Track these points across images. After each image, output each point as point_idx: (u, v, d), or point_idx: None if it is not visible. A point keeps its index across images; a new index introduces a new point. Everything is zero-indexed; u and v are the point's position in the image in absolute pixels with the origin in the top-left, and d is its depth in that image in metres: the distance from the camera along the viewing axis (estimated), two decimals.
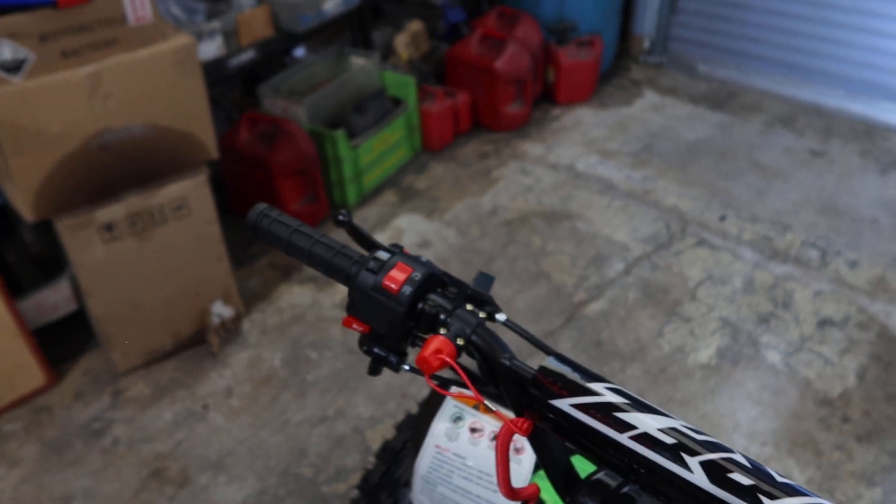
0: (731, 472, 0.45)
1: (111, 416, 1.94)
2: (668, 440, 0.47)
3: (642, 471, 0.47)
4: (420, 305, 0.59)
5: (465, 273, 2.30)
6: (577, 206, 2.66)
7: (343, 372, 2.03)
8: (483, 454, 0.82)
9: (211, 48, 2.42)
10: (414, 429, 0.89)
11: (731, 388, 1.94)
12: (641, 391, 1.91)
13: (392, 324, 0.59)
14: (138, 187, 1.90)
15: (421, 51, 3.15)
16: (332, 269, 0.64)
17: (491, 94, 3.02)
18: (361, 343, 0.63)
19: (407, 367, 0.62)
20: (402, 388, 1.95)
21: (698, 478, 0.45)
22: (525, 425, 0.53)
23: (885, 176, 2.75)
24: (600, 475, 0.54)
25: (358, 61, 2.84)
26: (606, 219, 2.58)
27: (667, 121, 3.17)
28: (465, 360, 0.58)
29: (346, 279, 0.63)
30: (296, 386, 2.01)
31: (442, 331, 0.57)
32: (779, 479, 0.44)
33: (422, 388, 1.92)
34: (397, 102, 2.82)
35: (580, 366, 0.53)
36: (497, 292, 2.27)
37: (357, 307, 0.60)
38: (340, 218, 0.65)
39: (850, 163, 2.84)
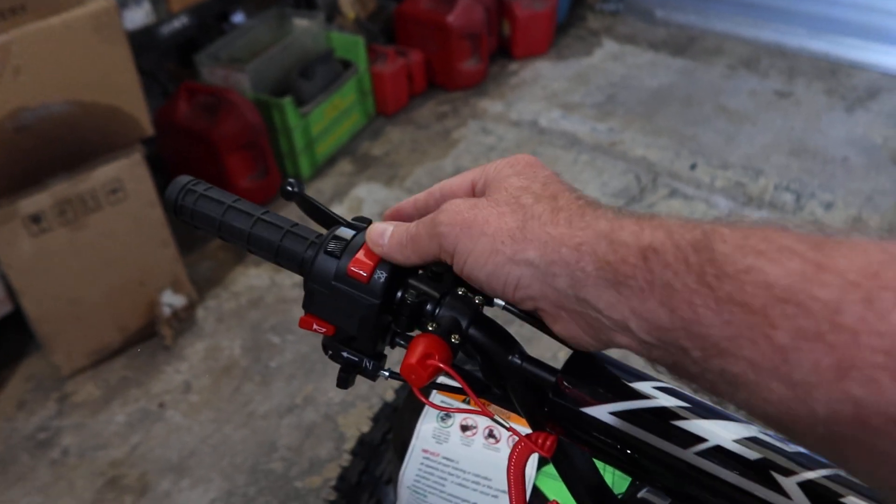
0: (842, 495, 0.33)
1: (58, 424, 1.78)
2: (751, 455, 0.35)
3: (713, 496, 0.36)
4: (399, 294, 0.46)
5: None
6: (543, 162, 2.53)
7: (309, 356, 1.90)
8: (478, 455, 0.71)
9: (138, 15, 2.20)
10: (395, 429, 0.77)
11: None
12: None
13: (364, 321, 0.46)
14: (66, 172, 1.72)
15: (368, 9, 2.96)
16: (282, 255, 0.50)
17: (445, 51, 2.86)
18: (327, 347, 0.49)
19: (387, 374, 0.49)
20: None
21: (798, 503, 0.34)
22: (548, 442, 0.41)
23: (852, 113, 2.69)
24: (644, 494, 0.42)
25: (301, 23, 2.65)
26: (574, 174, 2.47)
27: (628, 70, 3.06)
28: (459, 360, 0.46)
29: (299, 266, 0.49)
30: (259, 374, 1.87)
31: (430, 327, 0.44)
32: None
33: (397, 366, 1.80)
34: (346, 65, 2.65)
35: (615, 360, 0.41)
36: None
37: (316, 303, 0.47)
38: (289, 189, 0.51)
39: (816, 102, 2.77)
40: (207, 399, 1.82)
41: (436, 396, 0.74)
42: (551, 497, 0.66)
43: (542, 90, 2.94)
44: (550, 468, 0.72)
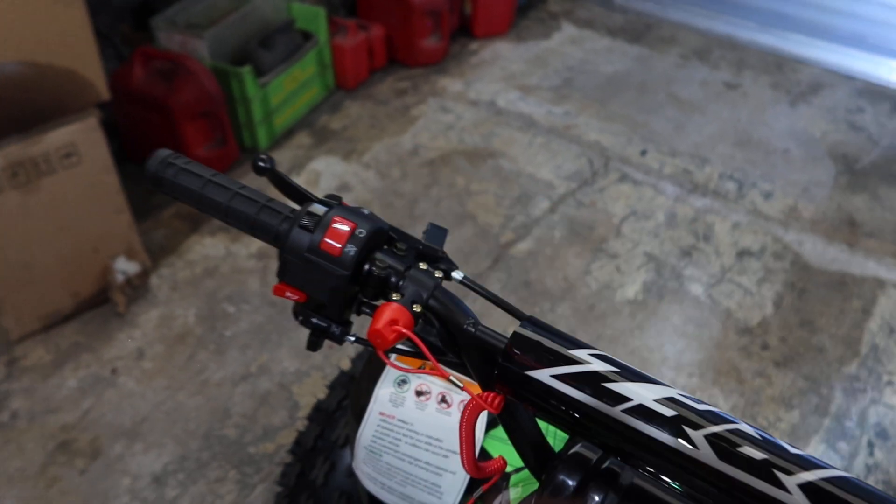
0: (740, 445, 0.39)
1: (7, 387, 1.77)
2: (668, 412, 0.41)
3: (638, 448, 0.42)
4: (366, 267, 0.50)
5: (388, 218, 2.21)
6: (499, 143, 2.59)
7: (264, 326, 1.92)
8: (431, 418, 0.76)
9: None
10: (353, 394, 0.81)
11: (657, 321, 1.96)
12: (572, 329, 1.90)
13: (334, 291, 0.50)
14: (18, 134, 1.69)
15: None
16: (258, 228, 0.54)
17: (406, 28, 2.87)
18: (297, 313, 0.54)
19: (353, 339, 0.53)
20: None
21: (704, 453, 0.40)
22: (496, 401, 0.46)
23: (795, 107, 2.82)
24: (578, 448, 0.48)
25: None
26: (529, 156, 2.53)
27: (585, 54, 3.12)
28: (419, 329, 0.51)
29: (275, 239, 0.53)
30: (213, 343, 1.89)
31: (395, 296, 0.48)
32: (792, 450, 0.40)
33: (362, 332, 1.84)
34: (307, 36, 2.64)
35: (558, 330, 0.47)
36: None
37: (290, 272, 0.51)
38: (261, 164, 0.55)
39: (762, 95, 2.88)
40: (161, 366, 1.83)
41: (395, 362, 0.79)
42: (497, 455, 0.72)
43: (501, 71, 2.99)
44: (497, 431, 0.78)
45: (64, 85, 1.74)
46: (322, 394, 1.62)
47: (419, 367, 0.79)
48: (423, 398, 0.77)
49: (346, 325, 0.54)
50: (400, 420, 0.76)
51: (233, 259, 2.12)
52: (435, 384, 0.78)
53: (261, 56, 2.45)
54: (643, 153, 2.56)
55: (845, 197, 2.38)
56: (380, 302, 0.50)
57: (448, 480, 0.76)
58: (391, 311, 0.46)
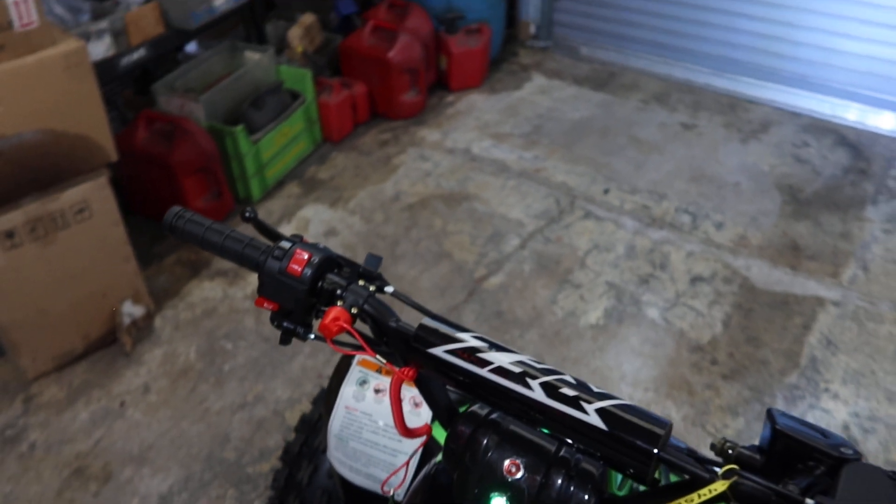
0: (560, 388, 0.60)
1: (25, 421, 1.95)
2: (516, 370, 0.61)
3: (499, 396, 0.62)
4: (320, 284, 0.71)
5: None
6: (474, 187, 2.81)
7: (259, 360, 2.11)
8: (387, 410, 0.95)
9: (99, 48, 2.41)
10: (326, 395, 1.00)
11: (617, 343, 2.16)
12: (539, 354, 2.09)
13: (297, 301, 0.71)
14: (37, 192, 1.91)
15: (315, 43, 3.22)
16: (243, 259, 0.75)
17: (386, 84, 3.13)
18: (273, 319, 0.74)
19: (312, 336, 0.73)
20: (316, 369, 2.06)
21: (538, 395, 0.60)
22: (411, 373, 0.66)
23: (746, 144, 3.06)
24: (474, 408, 0.68)
25: (252, 56, 2.88)
26: (502, 198, 2.75)
27: (554, 102, 3.38)
28: (361, 327, 0.71)
29: (255, 267, 0.74)
30: (213, 376, 2.07)
31: (339, 303, 0.69)
32: (596, 390, 0.60)
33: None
34: (295, 96, 2.89)
35: (451, 322, 0.67)
36: (403, 273, 2.41)
37: (267, 289, 0.72)
38: (247, 215, 0.76)
39: (715, 134, 3.13)
40: (165, 399, 2.01)
41: (355, 369, 0.99)
42: (436, 434, 0.91)
43: (476, 121, 3.23)
44: None
45: (77, 148, 1.97)
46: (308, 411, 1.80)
47: (376, 370, 0.99)
48: (380, 395, 0.96)
49: (308, 327, 0.74)
50: (362, 412, 0.95)
51: (230, 301, 2.32)
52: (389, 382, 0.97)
53: (252, 116, 2.69)
54: (606, 191, 2.78)
55: (789, 224, 2.60)
56: (329, 307, 0.70)
57: (401, 460, 0.95)
58: (335, 312, 0.67)
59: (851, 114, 3.17)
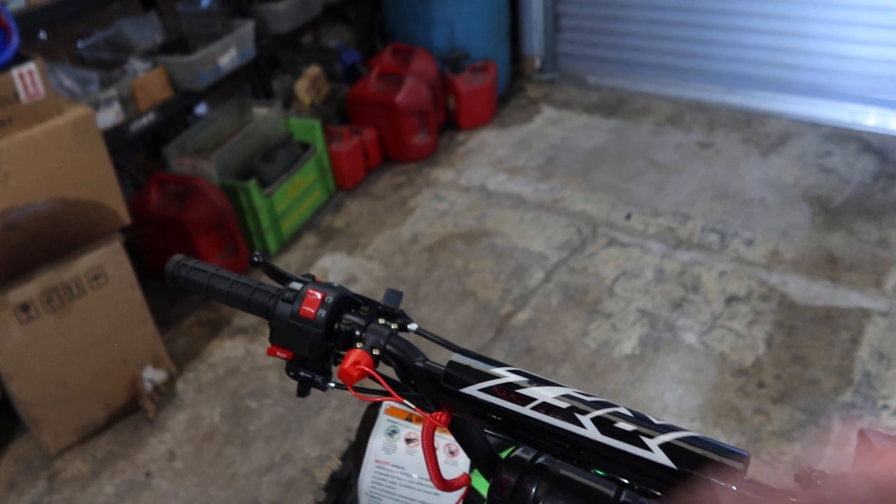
0: (616, 422, 0.52)
1: (49, 500, 1.89)
2: (563, 405, 0.54)
3: (546, 436, 0.54)
4: (336, 326, 0.65)
5: None
6: (492, 223, 2.76)
7: (285, 417, 2.04)
8: (420, 462, 0.88)
9: (109, 116, 2.42)
10: (353, 449, 0.93)
11: (655, 372, 2.06)
12: (576, 387, 2.00)
13: (312, 346, 0.64)
14: (51, 262, 1.88)
15: (322, 94, 3.22)
16: (252, 305, 0.69)
17: (396, 128, 3.11)
18: (288, 369, 0.67)
19: (332, 385, 0.67)
20: (344, 422, 1.98)
21: (591, 432, 0.52)
22: (443, 417, 0.59)
23: (766, 158, 2.98)
24: (517, 452, 0.61)
25: (261, 111, 2.88)
26: (521, 231, 2.69)
27: (566, 132, 3.34)
28: (385, 370, 0.64)
29: (265, 312, 0.68)
30: (239, 438, 2.00)
31: (358, 345, 0.62)
32: (656, 422, 0.52)
33: None
34: (305, 147, 2.87)
35: (484, 356, 0.60)
36: (427, 315, 2.34)
37: (279, 336, 0.65)
38: (256, 259, 0.71)
39: (734, 150, 3.06)
40: (191, 465, 1.94)
41: (383, 418, 0.91)
42: (476, 484, 0.83)
43: (488, 157, 3.20)
44: None
45: (90, 215, 1.94)
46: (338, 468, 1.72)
47: (406, 418, 0.92)
48: (412, 444, 0.89)
49: (327, 374, 0.67)
50: (394, 465, 0.88)
51: (252, 358, 2.26)
52: (420, 430, 0.90)
53: (264, 169, 2.67)
54: (628, 217, 2.71)
55: (823, 235, 2.50)
56: (348, 350, 0.63)
57: None
58: (355, 355, 0.60)
59: (872, 119, 3.09)
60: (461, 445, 0.63)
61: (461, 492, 0.67)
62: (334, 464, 1.84)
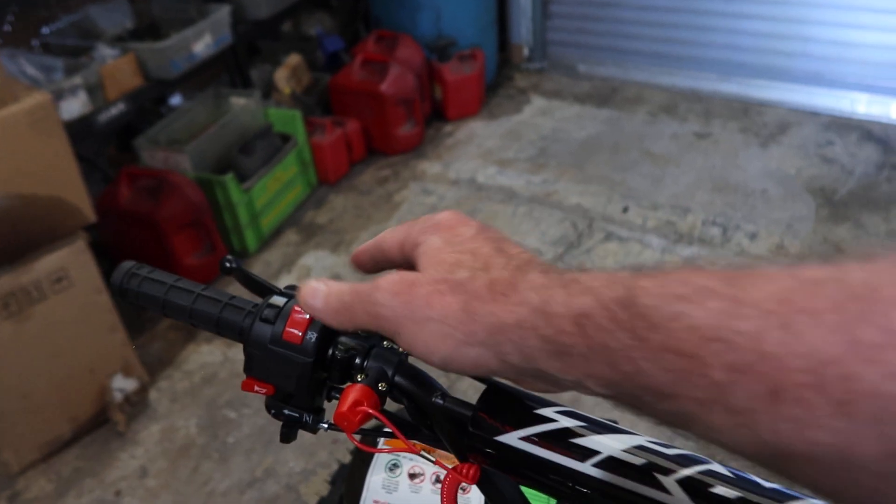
0: (712, 486, 0.39)
1: None
2: (637, 461, 0.41)
3: (613, 502, 0.41)
4: (330, 352, 0.51)
5: None
6: (483, 217, 2.63)
7: (266, 428, 1.90)
8: (427, 500, 0.74)
9: (74, 106, 2.25)
10: (347, 484, 0.80)
11: None
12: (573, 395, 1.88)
13: (300, 379, 0.50)
14: (8, 264, 1.72)
15: (303, 84, 3.07)
16: (222, 326, 0.55)
17: (381, 118, 2.97)
18: (269, 406, 0.54)
19: (326, 426, 0.53)
20: (331, 434, 1.83)
21: (678, 499, 0.39)
22: (471, 471, 0.46)
23: (766, 148, 2.88)
24: None
25: (238, 101, 2.73)
26: (514, 226, 2.56)
27: (557, 123, 3.21)
28: (392, 408, 0.51)
29: (239, 335, 0.54)
30: (217, 451, 1.85)
31: (359, 378, 0.49)
32: (766, 485, 0.39)
33: None
34: (286, 139, 2.72)
35: (522, 391, 0.47)
36: None
37: (256, 366, 0.51)
38: (227, 265, 0.56)
39: (732, 140, 2.95)
40: (165, 482, 1.79)
41: (382, 446, 0.78)
42: None
43: (477, 148, 3.06)
44: None
45: (50, 212, 1.78)
46: (326, 490, 1.58)
47: (390, 440, 0.78)
48: (416, 480, 0.75)
49: (319, 413, 0.54)
50: None
51: (230, 364, 2.11)
52: (428, 465, 0.77)
53: (242, 162, 2.52)
54: (625, 210, 2.59)
55: (829, 228, 2.40)
56: (347, 385, 0.50)
57: None
58: (355, 393, 0.46)
59: (874, 107, 3.00)
60: (489, 501, 0.50)
61: None
62: (321, 482, 1.71)
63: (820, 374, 0.25)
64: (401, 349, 0.52)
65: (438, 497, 0.75)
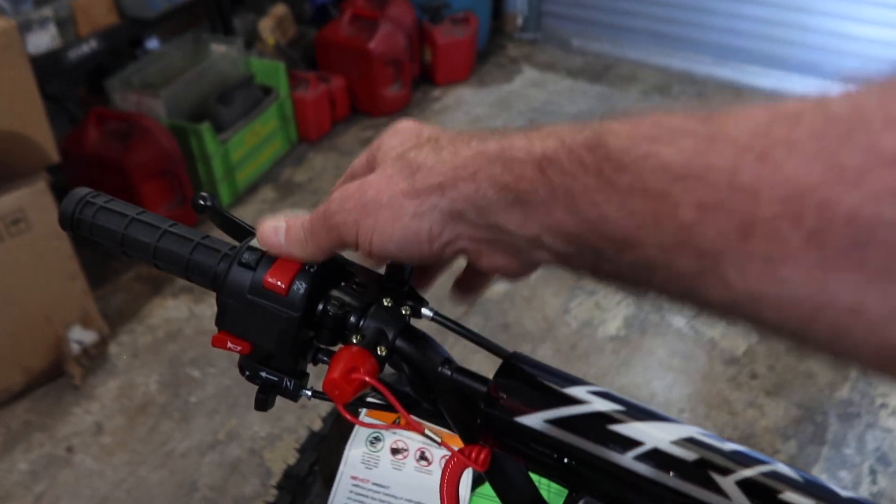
0: (780, 491, 0.33)
1: None
2: (689, 456, 0.34)
3: (652, 501, 0.35)
4: (321, 307, 0.43)
5: None
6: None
7: (232, 389, 1.82)
8: (410, 479, 0.68)
9: (43, 39, 2.11)
10: (322, 457, 0.73)
11: (642, 357, 1.90)
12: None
13: (282, 336, 0.43)
14: None
15: (288, 35, 2.93)
16: (192, 270, 0.47)
17: (367, 77, 2.85)
18: (244, 367, 0.46)
19: (309, 393, 0.46)
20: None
21: (738, 503, 0.33)
22: (482, 456, 0.39)
23: None
24: None
25: (219, 48, 2.59)
26: None
27: (549, 96, 3.13)
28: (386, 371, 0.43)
29: (212, 281, 0.46)
30: (178, 411, 1.77)
31: (355, 339, 0.41)
32: (843, 494, 0.33)
33: (320, 384, 1.74)
34: (267, 91, 2.60)
35: (549, 366, 0.40)
36: None
37: (230, 318, 0.44)
38: (202, 203, 0.48)
39: None
40: (121, 440, 1.71)
41: (364, 418, 0.71)
42: None
43: (465, 115, 2.97)
44: (485, 488, 0.70)
45: (10, 149, 1.66)
46: (293, 458, 1.52)
47: (393, 423, 0.71)
48: (399, 457, 0.69)
49: (301, 378, 0.46)
50: (375, 484, 0.68)
51: (197, 321, 2.02)
52: (413, 440, 0.70)
53: (220, 112, 2.40)
54: None
55: None
56: (338, 347, 0.42)
57: None
58: (350, 357, 0.39)
59: None
60: (496, 491, 0.43)
61: None
62: (287, 447, 1.64)
63: (795, 204, 0.24)
64: (403, 310, 0.44)
65: (423, 476, 0.68)
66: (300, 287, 0.42)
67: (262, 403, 0.46)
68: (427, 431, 0.40)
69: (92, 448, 1.69)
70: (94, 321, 1.90)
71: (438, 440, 0.40)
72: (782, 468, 0.34)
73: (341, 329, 0.43)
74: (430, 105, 3.05)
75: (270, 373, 0.45)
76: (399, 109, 2.97)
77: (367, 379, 0.38)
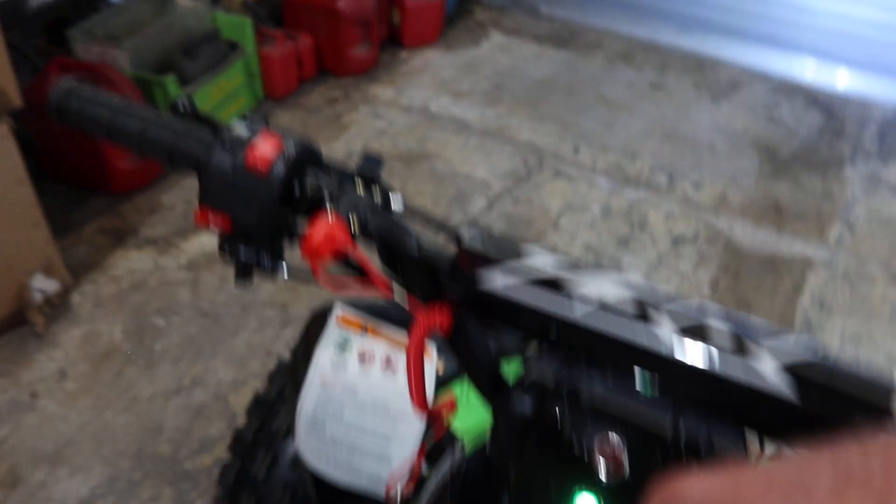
0: (709, 334, 0.37)
1: None
2: (628, 296, 0.39)
3: (605, 347, 0.39)
4: (298, 187, 0.47)
5: None
6: (433, 146, 2.58)
7: (197, 337, 1.83)
8: (376, 384, 0.72)
9: None
10: (293, 362, 0.76)
11: None
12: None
13: (262, 210, 0.46)
14: None
15: None
16: (176, 155, 0.50)
17: (335, 37, 2.84)
18: (222, 244, 0.49)
19: (285, 268, 0.49)
20: (264, 345, 1.79)
21: (693, 358, 0.37)
22: (444, 316, 0.43)
23: (717, 104, 2.91)
24: (532, 376, 0.45)
25: (185, 2, 2.55)
26: (464, 157, 2.52)
27: (514, 60, 3.16)
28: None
29: (196, 165, 0.49)
30: (143, 358, 1.79)
31: (330, 208, 0.45)
32: (768, 326, 0.38)
33: (288, 342, 1.77)
34: (233, 47, 2.58)
35: (507, 236, 0.44)
36: None
37: (212, 195, 0.47)
38: (181, 108, 0.51)
39: (685, 94, 2.97)
40: (85, 386, 1.72)
41: (335, 329, 0.75)
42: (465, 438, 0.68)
43: (432, 78, 2.99)
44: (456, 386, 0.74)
45: None
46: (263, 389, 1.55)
47: (360, 329, 0.75)
48: (367, 363, 0.73)
49: (278, 255, 0.50)
50: (343, 387, 0.72)
51: (161, 272, 2.03)
52: (378, 347, 0.74)
53: (185, 65, 2.37)
54: (576, 150, 2.59)
55: (770, 184, 2.46)
56: (316, 212, 0.46)
57: (397, 450, 0.72)
58: (327, 225, 0.42)
59: (823, 75, 3.06)
60: (456, 353, 0.47)
61: (423, 422, 0.52)
62: (251, 391, 1.67)
63: None
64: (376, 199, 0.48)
65: (388, 381, 0.72)
66: (279, 167, 0.45)
67: (243, 275, 0.50)
68: (394, 285, 0.44)
69: (56, 393, 1.70)
70: (57, 270, 1.89)
71: (402, 301, 0.44)
72: (708, 304, 0.39)
73: (316, 209, 0.46)
74: (397, 67, 3.05)
75: (249, 249, 0.48)
76: (366, 70, 2.98)
77: (340, 242, 0.42)
